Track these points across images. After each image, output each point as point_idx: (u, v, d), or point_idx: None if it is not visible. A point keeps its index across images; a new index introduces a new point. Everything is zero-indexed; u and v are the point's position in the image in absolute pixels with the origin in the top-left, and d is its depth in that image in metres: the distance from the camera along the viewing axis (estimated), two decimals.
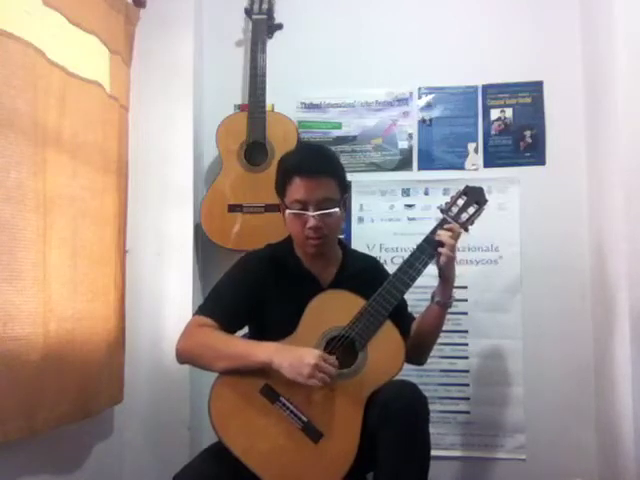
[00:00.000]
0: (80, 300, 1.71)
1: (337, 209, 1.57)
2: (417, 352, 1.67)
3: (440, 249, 1.54)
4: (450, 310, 1.64)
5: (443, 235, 1.54)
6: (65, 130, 1.67)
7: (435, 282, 1.62)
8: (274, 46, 2.29)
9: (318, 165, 1.56)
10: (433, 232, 1.57)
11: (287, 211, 1.57)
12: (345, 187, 1.62)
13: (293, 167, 1.57)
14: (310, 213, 1.53)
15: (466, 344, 2.17)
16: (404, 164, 2.28)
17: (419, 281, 1.55)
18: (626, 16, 1.86)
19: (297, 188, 1.54)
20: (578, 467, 2.07)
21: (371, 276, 1.63)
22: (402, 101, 2.30)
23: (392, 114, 2.30)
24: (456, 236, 1.56)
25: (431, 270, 1.58)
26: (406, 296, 1.59)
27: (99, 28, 1.85)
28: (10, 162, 1.43)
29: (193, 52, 2.24)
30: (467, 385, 2.17)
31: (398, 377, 1.50)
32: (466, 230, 1.60)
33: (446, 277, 1.59)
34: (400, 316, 1.63)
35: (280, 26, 2.32)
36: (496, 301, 2.18)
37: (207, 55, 2.35)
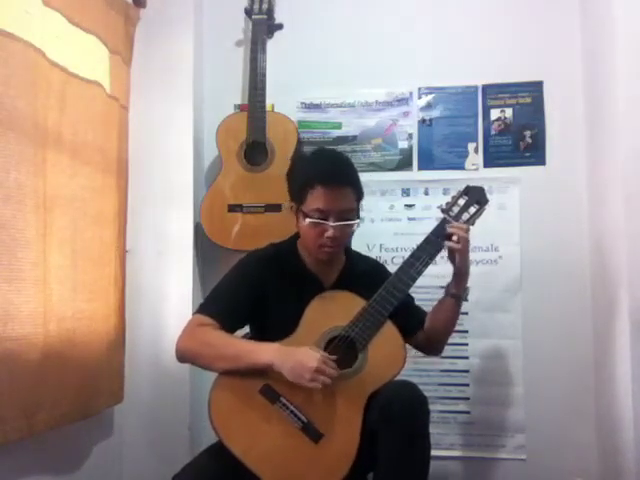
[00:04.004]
0: (80, 300, 1.72)
1: (357, 220, 1.57)
2: (433, 344, 1.69)
3: (454, 239, 1.54)
4: None
5: (455, 228, 1.55)
6: (65, 130, 1.67)
7: (437, 282, 1.62)
8: (274, 46, 2.29)
9: (342, 175, 1.55)
10: (434, 232, 1.57)
11: (307, 219, 1.53)
12: (361, 196, 1.61)
13: (317, 175, 1.53)
14: (330, 223, 1.52)
15: (466, 344, 2.17)
16: (404, 164, 2.28)
17: (422, 281, 1.55)
18: (626, 16, 1.86)
19: (319, 197, 1.51)
20: (578, 467, 2.07)
21: (373, 278, 1.62)
22: (402, 101, 2.30)
23: (392, 114, 2.30)
24: (466, 230, 1.57)
25: (433, 270, 1.58)
26: None
27: (99, 28, 1.85)
28: (10, 162, 1.43)
29: (193, 52, 2.24)
30: (467, 385, 2.17)
31: (398, 377, 1.51)
32: None
33: (461, 269, 1.59)
34: (409, 312, 1.64)
35: (280, 26, 2.32)
36: (496, 301, 2.17)
37: (207, 55, 2.35)
